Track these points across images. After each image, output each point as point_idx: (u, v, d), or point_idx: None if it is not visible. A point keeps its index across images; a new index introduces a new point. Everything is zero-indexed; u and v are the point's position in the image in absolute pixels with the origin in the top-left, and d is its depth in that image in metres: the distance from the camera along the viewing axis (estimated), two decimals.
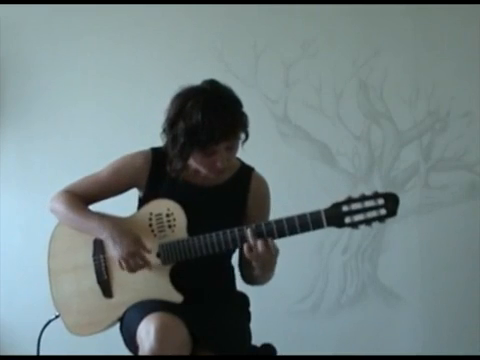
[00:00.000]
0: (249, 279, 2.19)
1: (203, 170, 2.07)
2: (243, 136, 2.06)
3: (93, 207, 2.22)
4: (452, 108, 3.06)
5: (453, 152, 3.07)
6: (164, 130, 2.06)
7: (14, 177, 3.33)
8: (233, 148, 2.04)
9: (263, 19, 3.13)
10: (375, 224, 3.05)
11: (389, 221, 3.03)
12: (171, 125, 2.01)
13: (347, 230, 3.08)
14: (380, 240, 3.13)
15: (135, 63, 3.20)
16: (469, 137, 3.05)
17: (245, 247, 1.95)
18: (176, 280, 2.08)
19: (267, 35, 3.13)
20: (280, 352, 2.17)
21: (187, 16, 3.17)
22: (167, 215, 2.08)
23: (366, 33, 3.10)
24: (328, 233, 3.13)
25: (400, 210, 3.03)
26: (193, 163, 2.07)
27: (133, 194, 2.24)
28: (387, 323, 3.12)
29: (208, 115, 1.94)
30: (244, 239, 1.96)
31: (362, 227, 1.92)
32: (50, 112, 3.29)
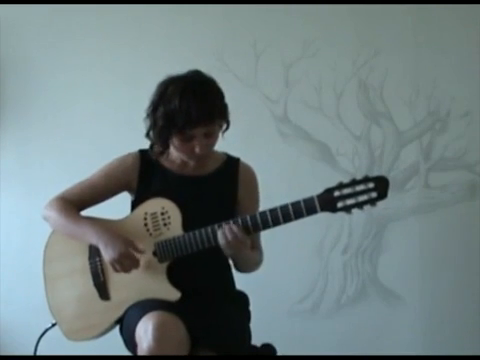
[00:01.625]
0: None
1: (183, 156, 2.13)
2: (223, 125, 2.12)
3: (89, 210, 2.22)
4: (452, 108, 3.06)
5: (453, 152, 3.07)
6: (147, 115, 2.12)
7: (14, 177, 3.33)
8: (211, 135, 2.08)
9: (263, 19, 3.13)
10: (374, 222, 3.10)
11: (389, 221, 3.10)
12: (153, 109, 2.08)
13: (347, 230, 3.13)
14: (380, 240, 3.13)
15: (135, 63, 3.20)
16: (469, 137, 3.05)
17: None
18: (174, 280, 2.08)
19: (267, 35, 3.13)
20: (280, 352, 2.17)
21: (187, 16, 3.17)
22: (162, 213, 2.10)
23: (366, 33, 3.10)
24: (328, 233, 3.14)
25: (400, 210, 3.10)
26: (173, 150, 2.13)
27: (126, 197, 2.24)
28: (387, 323, 3.12)
29: (186, 99, 2.00)
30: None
31: (355, 211, 1.94)
32: (50, 112, 3.29)
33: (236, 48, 3.15)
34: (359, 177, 1.95)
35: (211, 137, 2.08)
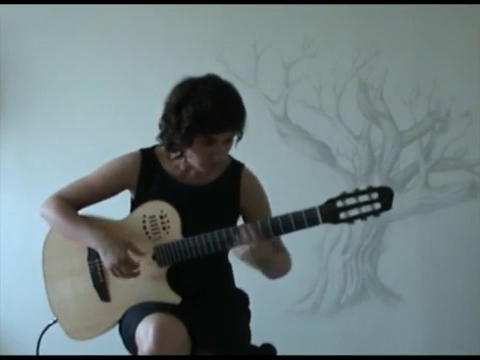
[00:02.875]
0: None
1: (197, 161, 2.05)
2: (237, 135, 2.07)
3: (88, 208, 2.22)
4: (452, 108, 3.06)
5: (453, 152, 3.07)
6: (164, 116, 2.05)
7: (14, 177, 3.33)
8: (230, 142, 2.05)
9: (263, 19, 3.14)
10: (374, 222, 3.11)
11: (389, 221, 3.10)
12: (176, 109, 2.00)
13: (347, 230, 3.13)
14: (380, 240, 3.13)
15: (135, 63, 3.20)
16: (469, 137, 3.06)
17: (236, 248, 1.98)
18: (174, 281, 2.07)
19: (267, 35, 3.14)
20: (280, 352, 2.16)
21: (187, 16, 3.17)
22: (161, 217, 2.08)
23: (366, 33, 3.10)
24: (328, 233, 3.14)
25: (400, 210, 3.10)
26: (188, 154, 2.05)
27: (126, 197, 2.23)
28: (387, 323, 3.12)
29: (218, 101, 1.95)
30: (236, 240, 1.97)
31: (358, 222, 1.92)
32: (50, 112, 3.29)
33: (236, 48, 3.15)
34: (361, 182, 1.93)
35: (229, 144, 2.05)
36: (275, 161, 3.11)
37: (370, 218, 1.91)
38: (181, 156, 2.09)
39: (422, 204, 3.10)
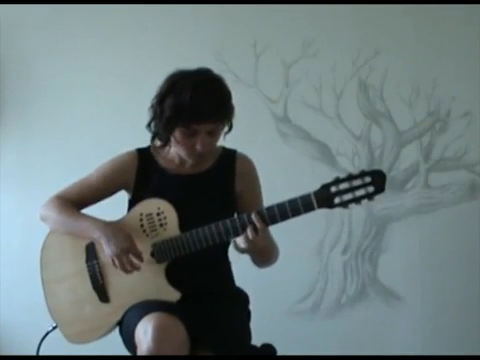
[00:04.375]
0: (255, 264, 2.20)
1: (182, 153, 2.10)
2: (226, 127, 2.11)
3: (86, 210, 2.22)
4: (452, 108, 3.06)
5: (453, 152, 3.07)
6: (152, 105, 2.10)
7: (14, 177, 3.33)
8: (215, 134, 2.07)
9: (263, 19, 3.14)
10: (374, 222, 3.10)
11: (389, 221, 3.10)
12: (160, 100, 2.06)
13: (347, 230, 3.13)
14: (380, 240, 3.13)
15: (135, 63, 3.20)
16: (469, 137, 3.06)
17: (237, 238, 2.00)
18: (173, 280, 2.07)
19: (267, 35, 3.14)
20: (280, 352, 2.16)
21: (187, 16, 3.17)
22: (158, 214, 2.09)
23: (366, 33, 3.10)
24: (328, 233, 3.14)
25: (400, 210, 3.10)
26: (173, 147, 2.11)
27: (124, 198, 2.24)
28: (387, 323, 3.12)
29: (197, 93, 1.99)
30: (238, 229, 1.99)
31: (354, 210, 1.93)
32: (50, 112, 3.29)
33: (236, 48, 3.15)
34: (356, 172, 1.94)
35: (214, 136, 2.07)
36: (275, 161, 3.11)
37: (365, 202, 1.92)
38: (165, 145, 2.14)
39: (422, 204, 3.10)
